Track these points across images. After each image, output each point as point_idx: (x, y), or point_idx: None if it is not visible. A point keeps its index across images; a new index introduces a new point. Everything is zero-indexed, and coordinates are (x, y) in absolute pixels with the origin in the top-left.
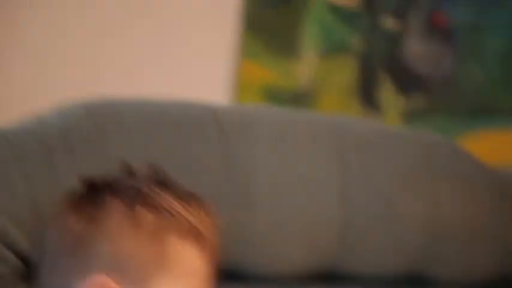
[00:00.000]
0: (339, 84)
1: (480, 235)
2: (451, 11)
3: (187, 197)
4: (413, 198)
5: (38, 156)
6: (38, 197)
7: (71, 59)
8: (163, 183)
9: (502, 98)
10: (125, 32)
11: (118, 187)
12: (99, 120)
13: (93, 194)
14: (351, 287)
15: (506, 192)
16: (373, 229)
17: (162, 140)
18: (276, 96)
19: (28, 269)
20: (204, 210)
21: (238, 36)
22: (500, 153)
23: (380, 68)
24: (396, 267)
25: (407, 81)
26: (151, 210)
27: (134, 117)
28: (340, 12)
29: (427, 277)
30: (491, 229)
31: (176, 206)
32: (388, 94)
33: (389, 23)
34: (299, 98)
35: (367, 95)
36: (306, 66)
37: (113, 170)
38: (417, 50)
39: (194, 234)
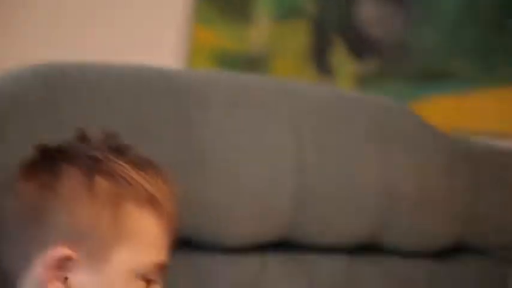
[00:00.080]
0: (292, 49)
1: (433, 199)
2: None
3: (144, 165)
4: (366, 163)
5: None
6: None
7: (21, 23)
8: (120, 150)
9: (455, 63)
10: None
11: (74, 155)
12: (50, 84)
13: (49, 161)
14: (308, 255)
15: (458, 157)
16: (328, 195)
17: (115, 105)
18: (229, 61)
19: None
20: (161, 177)
21: (191, 1)
22: (452, 118)
23: (333, 32)
24: (352, 235)
25: (360, 45)
26: (108, 178)
27: (86, 81)
28: None
29: (384, 245)
30: (443, 194)
31: (133, 173)
32: (341, 58)
33: None
34: (252, 63)
35: (320, 59)
36: (259, 31)
37: (66, 134)
38: (370, 13)
39: (151, 202)
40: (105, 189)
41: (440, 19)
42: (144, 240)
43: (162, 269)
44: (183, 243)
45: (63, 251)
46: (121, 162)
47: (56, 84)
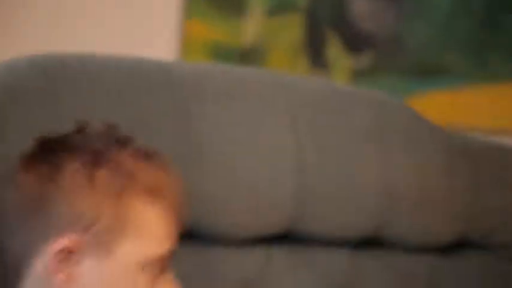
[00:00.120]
0: (286, 43)
1: (433, 198)
2: None
3: (146, 155)
4: (366, 159)
5: None
6: None
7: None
8: (121, 141)
9: (449, 57)
10: None
11: (74, 146)
12: (50, 75)
13: (49, 153)
14: (312, 248)
15: (456, 153)
16: (328, 193)
17: (114, 97)
18: (222, 54)
19: None
20: (163, 168)
21: None
22: (447, 114)
23: (327, 26)
24: (354, 231)
25: (355, 39)
26: (110, 170)
27: (86, 72)
28: None
29: (386, 240)
30: (443, 193)
31: (134, 164)
32: (335, 52)
33: None
34: (246, 56)
35: (314, 53)
36: (252, 24)
37: (65, 125)
38: (362, 7)
39: (154, 194)
40: (106, 180)
41: (433, 13)
42: (148, 232)
43: (169, 258)
44: (185, 235)
45: (65, 242)
46: (122, 154)
47: (55, 74)
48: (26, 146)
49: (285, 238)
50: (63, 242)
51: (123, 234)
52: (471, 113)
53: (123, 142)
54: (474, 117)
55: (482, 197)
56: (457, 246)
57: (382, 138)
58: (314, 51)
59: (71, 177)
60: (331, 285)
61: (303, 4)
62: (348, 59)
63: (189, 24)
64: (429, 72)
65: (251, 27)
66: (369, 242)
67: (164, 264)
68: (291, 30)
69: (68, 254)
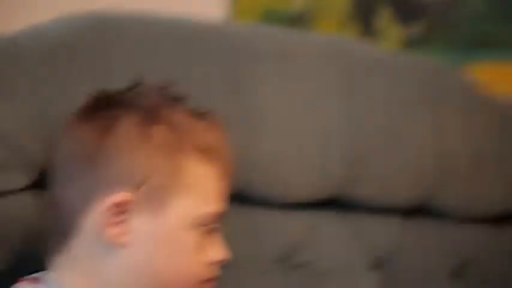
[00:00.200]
0: (335, 10)
1: (484, 163)
2: None
3: (201, 115)
4: (418, 125)
5: (43, 66)
6: (47, 107)
7: None
8: (176, 99)
9: (502, 30)
10: None
11: (130, 102)
12: (102, 32)
13: (106, 108)
14: (360, 215)
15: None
16: (380, 156)
17: (163, 57)
18: (272, 20)
19: (41, 177)
20: (217, 127)
21: None
22: (498, 86)
23: None
24: (405, 196)
25: (406, 8)
26: (165, 127)
27: (138, 31)
28: None
29: (434, 209)
30: (494, 158)
31: (190, 122)
32: (385, 21)
33: None
34: (294, 22)
35: (363, 21)
36: None
37: (118, 82)
38: None
39: (208, 152)
40: (161, 137)
41: None
42: (200, 191)
43: (220, 218)
44: (234, 197)
45: (119, 197)
46: (177, 112)
47: (108, 33)
48: (83, 100)
49: (333, 204)
50: (116, 197)
51: (175, 192)
52: None
53: (177, 100)
54: None
55: None
56: (506, 218)
57: (435, 103)
58: (363, 19)
59: (126, 132)
60: (378, 253)
61: None
62: (398, 29)
63: None
64: (481, 44)
65: None
66: (420, 211)
67: (214, 225)
68: None
69: (120, 209)
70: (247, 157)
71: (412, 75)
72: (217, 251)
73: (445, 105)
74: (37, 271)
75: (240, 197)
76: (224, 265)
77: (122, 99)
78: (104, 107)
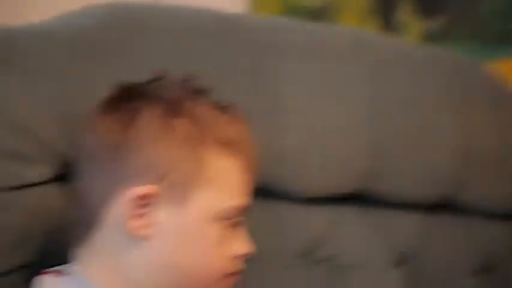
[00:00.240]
0: (356, 4)
1: (508, 157)
2: None
3: (223, 109)
4: (443, 118)
5: (67, 59)
6: (70, 99)
7: None
8: (199, 92)
9: None
10: None
11: (153, 95)
12: (124, 23)
13: (128, 100)
14: (383, 210)
15: None
16: (404, 150)
17: (185, 49)
18: (292, 13)
19: (65, 170)
20: (240, 121)
21: None
22: None
23: None
24: (426, 192)
25: (427, 2)
26: (188, 119)
27: (161, 22)
28: None
29: (461, 204)
30: None
31: (212, 115)
32: (406, 15)
33: None
34: (315, 15)
35: (385, 15)
36: None
37: (140, 73)
38: None
39: (231, 145)
40: (183, 130)
41: None
42: (222, 184)
43: (244, 212)
44: (257, 191)
45: (142, 190)
46: (199, 105)
47: (131, 23)
48: (106, 92)
49: (356, 199)
50: (139, 189)
51: (197, 185)
52: None
53: (200, 93)
54: None
55: None
56: None
57: (460, 97)
58: (385, 13)
59: (149, 124)
60: (401, 248)
61: None
62: (418, 23)
63: None
64: (502, 39)
65: None
66: (443, 206)
67: (237, 219)
68: None
69: (144, 202)
70: (270, 151)
71: (437, 69)
72: (241, 245)
73: (470, 99)
74: (60, 264)
75: (263, 191)
76: (248, 259)
77: (145, 91)
78: (127, 99)
